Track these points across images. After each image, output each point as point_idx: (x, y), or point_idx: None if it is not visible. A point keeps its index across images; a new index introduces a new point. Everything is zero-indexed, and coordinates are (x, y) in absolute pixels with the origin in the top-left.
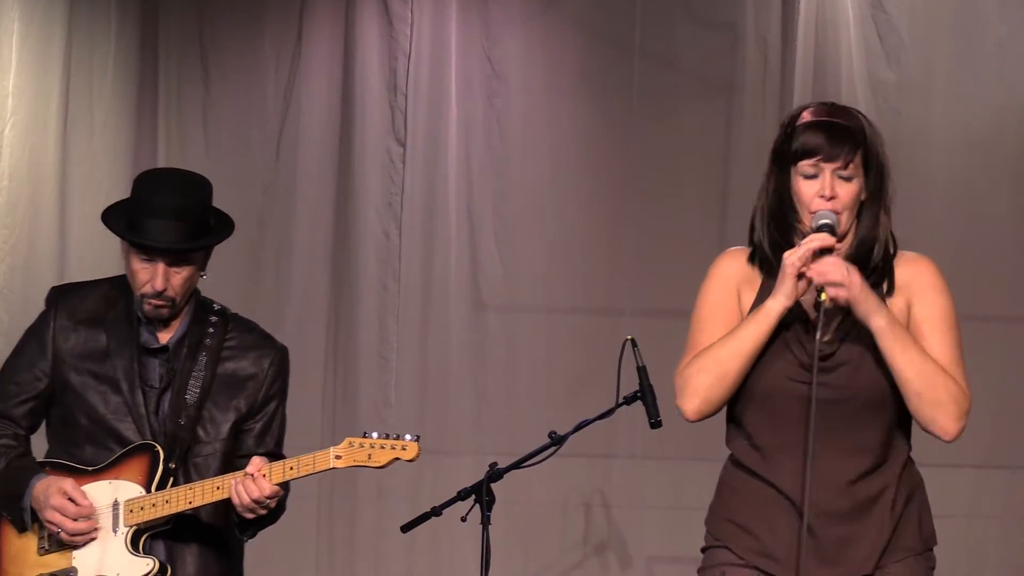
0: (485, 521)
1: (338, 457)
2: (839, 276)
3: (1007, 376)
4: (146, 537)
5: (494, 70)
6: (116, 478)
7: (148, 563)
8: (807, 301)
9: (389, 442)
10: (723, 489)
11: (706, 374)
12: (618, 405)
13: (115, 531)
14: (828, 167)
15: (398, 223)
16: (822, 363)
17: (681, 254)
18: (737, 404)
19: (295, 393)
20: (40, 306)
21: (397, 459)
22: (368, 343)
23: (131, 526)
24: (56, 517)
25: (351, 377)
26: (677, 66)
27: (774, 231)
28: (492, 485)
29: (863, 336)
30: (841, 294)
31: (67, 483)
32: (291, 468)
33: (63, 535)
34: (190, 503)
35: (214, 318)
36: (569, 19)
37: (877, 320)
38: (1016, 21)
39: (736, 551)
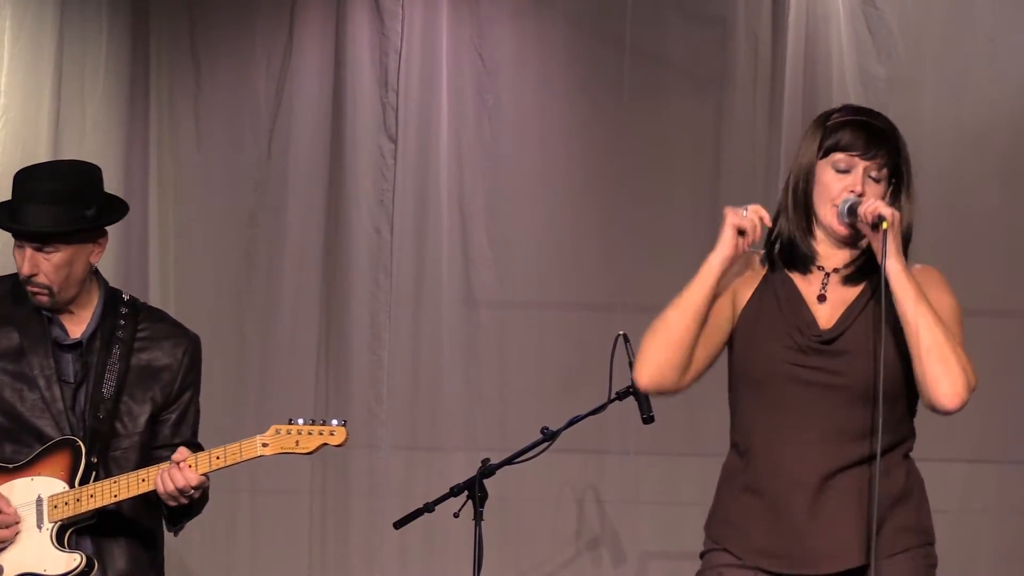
0: (478, 517)
1: (265, 445)
2: (888, 211)
3: (998, 371)
4: (71, 532)
5: (485, 67)
6: (37, 474)
7: (75, 558)
8: (803, 283)
9: (316, 428)
10: (720, 489)
11: (654, 337)
12: (610, 400)
13: (39, 527)
14: (862, 164)
15: (390, 220)
16: (824, 346)
17: (673, 249)
18: (735, 392)
19: (287, 389)
20: None
21: (325, 444)
22: (360, 340)
23: (56, 522)
24: None
25: (343, 374)
26: (668, 61)
27: (803, 219)
28: (485, 481)
29: (866, 326)
30: (886, 212)
31: None
32: (217, 457)
33: None
34: (116, 496)
35: (124, 309)
36: (560, 15)
37: (897, 262)
38: (1007, 16)
39: (735, 552)
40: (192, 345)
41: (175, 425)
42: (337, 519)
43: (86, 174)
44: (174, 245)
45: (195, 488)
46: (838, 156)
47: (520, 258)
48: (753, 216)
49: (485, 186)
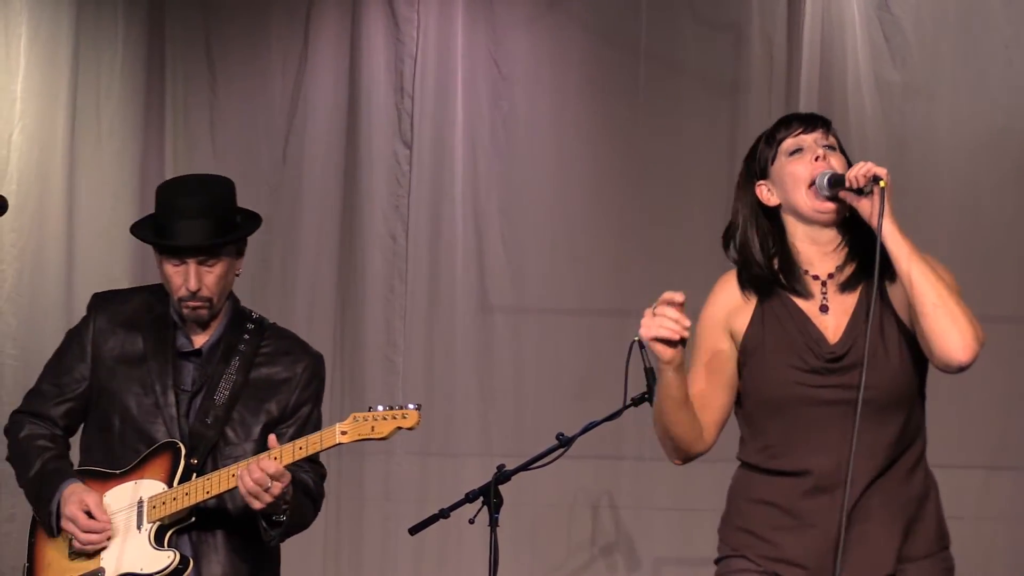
0: (493, 523)
1: (344, 432)
2: (883, 170)
3: (1015, 377)
4: (171, 533)
5: (500, 72)
6: (141, 478)
7: (169, 556)
8: (807, 301)
9: (391, 412)
10: (736, 499)
11: (658, 433)
12: (625, 407)
13: (139, 528)
14: (809, 137)
15: (405, 225)
16: (836, 364)
17: (687, 254)
18: (750, 413)
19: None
20: (48, 310)
21: (399, 428)
22: (375, 345)
23: (154, 522)
24: (69, 526)
25: (358, 379)
26: (682, 67)
27: (776, 229)
28: (500, 487)
29: (873, 334)
30: (881, 172)
31: (91, 497)
32: (300, 448)
33: (75, 543)
34: (208, 492)
35: (250, 325)
36: (575, 21)
37: (894, 223)
38: (1022, 22)
39: (753, 559)
40: (313, 361)
41: (291, 440)
42: (352, 525)
43: (227, 186)
44: None
45: (273, 477)
46: (786, 142)
47: (535, 264)
48: (663, 312)
49: (500, 192)
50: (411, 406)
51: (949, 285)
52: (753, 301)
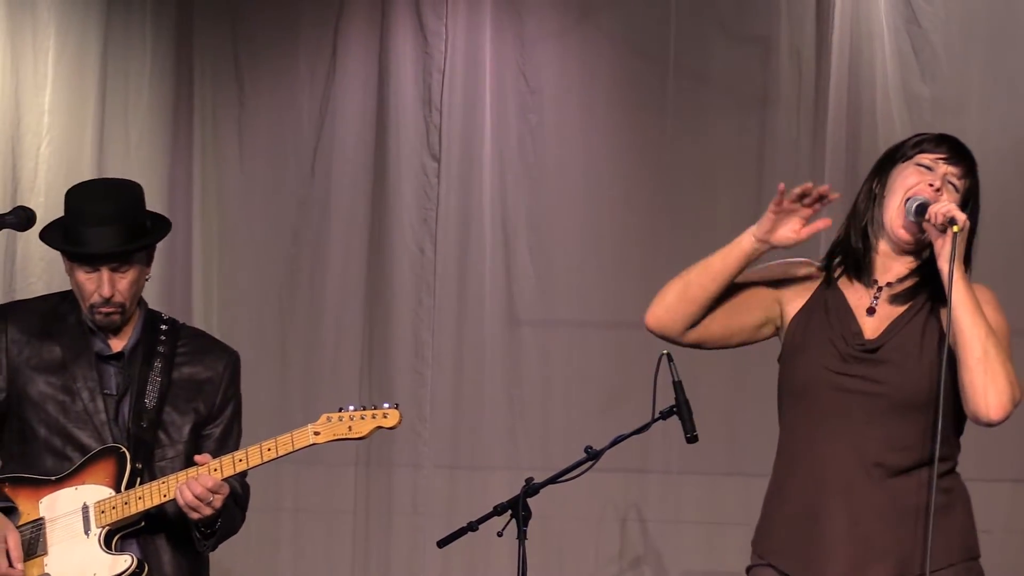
0: (521, 536)
1: (317, 433)
2: (962, 216)
3: None
4: (118, 537)
5: (528, 85)
6: (81, 483)
7: (126, 559)
8: (854, 296)
9: (369, 412)
10: (766, 502)
11: (673, 286)
12: (654, 420)
13: (87, 534)
14: (945, 168)
15: (433, 238)
16: (867, 355)
17: None
18: (781, 403)
19: (330, 407)
20: None
21: (379, 427)
22: (403, 358)
23: (103, 527)
24: None
25: (386, 392)
26: (711, 80)
27: (868, 225)
28: (528, 500)
29: (912, 337)
30: (959, 216)
31: (11, 536)
32: (268, 449)
33: None
34: (165, 496)
35: (164, 327)
36: (603, 34)
37: (958, 271)
38: None
39: (783, 569)
40: (232, 360)
41: (220, 440)
42: (380, 538)
43: (136, 191)
44: (217, 263)
45: (212, 491)
46: (924, 156)
47: (563, 277)
48: (792, 194)
49: (528, 205)
50: (387, 405)
51: (999, 341)
52: (814, 287)
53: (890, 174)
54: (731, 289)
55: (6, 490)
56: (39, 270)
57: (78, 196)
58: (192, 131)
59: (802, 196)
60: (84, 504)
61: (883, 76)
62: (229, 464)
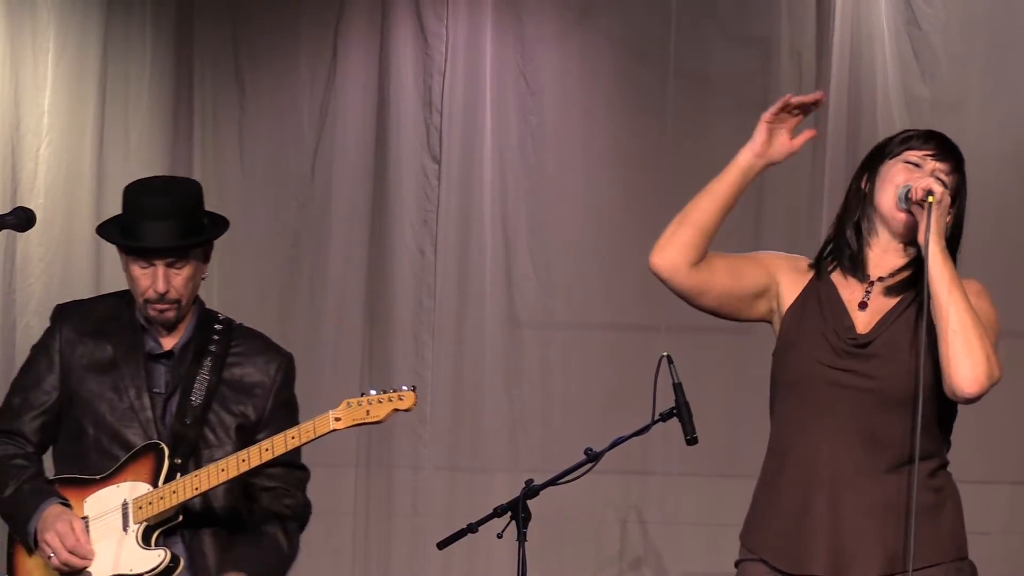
0: (521, 538)
1: (337, 419)
2: (939, 188)
3: None
4: (159, 533)
5: (529, 87)
6: (123, 481)
7: (159, 555)
8: (847, 290)
9: (386, 395)
10: (756, 502)
11: (676, 220)
12: (654, 422)
13: (125, 530)
14: (933, 164)
15: (433, 240)
16: (858, 349)
17: None
18: (772, 396)
19: (330, 408)
20: None
21: (396, 410)
22: (403, 359)
23: (140, 523)
24: (54, 542)
25: None
26: (711, 82)
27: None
28: (528, 501)
29: (903, 331)
30: (937, 188)
31: (78, 523)
32: (292, 437)
33: (54, 560)
34: (197, 488)
35: (219, 326)
36: (603, 36)
37: (938, 243)
38: None
39: (771, 562)
40: (286, 362)
41: None
42: (380, 539)
43: (195, 188)
44: (218, 264)
45: None
46: (911, 153)
47: (563, 279)
48: (779, 103)
49: (528, 207)
50: (405, 387)
51: (981, 318)
52: (806, 279)
53: (879, 171)
54: (736, 258)
55: (59, 490)
56: (38, 271)
57: (136, 191)
58: (192, 133)
59: (786, 106)
60: (124, 501)
61: (883, 78)
62: (256, 454)
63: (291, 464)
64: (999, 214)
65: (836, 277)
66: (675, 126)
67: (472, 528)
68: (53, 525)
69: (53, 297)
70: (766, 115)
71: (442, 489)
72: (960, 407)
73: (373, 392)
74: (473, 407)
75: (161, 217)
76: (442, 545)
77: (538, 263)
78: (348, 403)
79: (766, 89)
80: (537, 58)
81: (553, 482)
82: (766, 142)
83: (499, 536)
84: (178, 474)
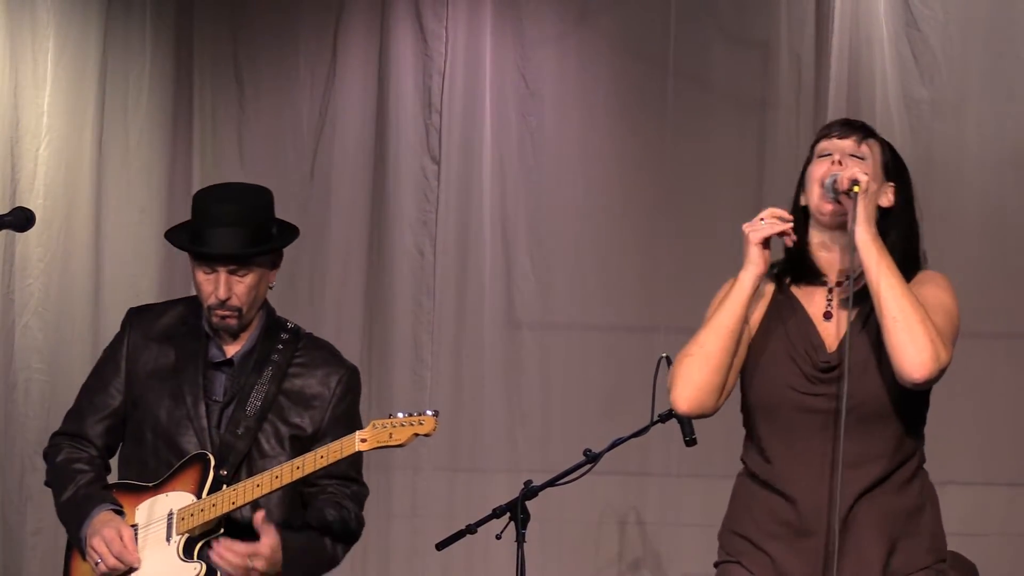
0: (520, 539)
1: (363, 440)
2: (863, 177)
3: None
4: (201, 545)
5: (528, 88)
6: (172, 490)
7: (195, 567)
8: (809, 302)
9: (408, 419)
10: (736, 503)
11: (691, 359)
12: (653, 423)
13: (168, 541)
14: (841, 144)
15: (432, 240)
16: (827, 374)
17: (715, 271)
18: (748, 413)
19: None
20: (75, 324)
21: (416, 435)
22: (403, 360)
23: (182, 534)
24: (101, 548)
25: (385, 394)
26: (710, 84)
27: (802, 226)
28: (527, 502)
29: (869, 345)
30: (862, 177)
31: (126, 531)
32: (321, 456)
33: (101, 566)
34: (234, 503)
35: (285, 335)
36: (603, 37)
37: (868, 229)
38: None
39: (750, 567)
40: (348, 374)
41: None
42: (379, 540)
43: (265, 195)
44: None
45: (250, 556)
46: (820, 147)
47: (562, 279)
48: (770, 220)
49: (528, 207)
50: (429, 412)
51: (939, 308)
52: (768, 297)
53: (804, 180)
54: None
55: (116, 495)
56: (37, 271)
57: (206, 197)
58: (192, 133)
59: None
60: (170, 511)
61: (882, 80)
62: (288, 472)
63: (344, 477)
64: (998, 216)
65: (796, 289)
66: (674, 127)
67: (471, 529)
68: (100, 531)
69: (52, 298)
70: (754, 235)
71: (441, 490)
72: (933, 408)
73: (400, 415)
74: (472, 408)
75: (227, 224)
76: (441, 546)
77: (537, 264)
78: (374, 424)
79: (765, 91)
80: (536, 59)
81: (552, 483)
82: (762, 260)
83: (498, 537)
84: (223, 486)
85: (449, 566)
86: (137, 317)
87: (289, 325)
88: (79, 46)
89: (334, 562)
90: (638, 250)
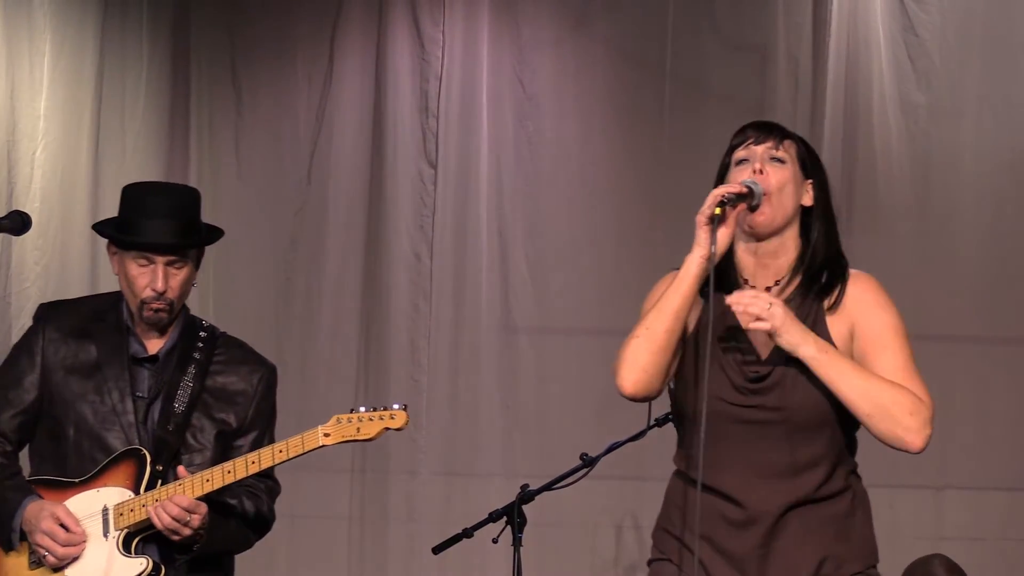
0: (517, 543)
1: (326, 435)
2: (758, 309)
3: None
4: (138, 540)
5: (525, 92)
6: (104, 486)
7: (141, 562)
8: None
9: (377, 413)
10: (668, 503)
11: (637, 340)
12: (649, 427)
13: (106, 536)
14: (759, 148)
15: (429, 245)
16: (756, 384)
17: None
18: (678, 418)
19: (326, 414)
20: None
21: (387, 429)
22: (399, 364)
23: (121, 529)
24: (46, 541)
25: (382, 398)
26: (708, 88)
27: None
28: (523, 507)
29: (791, 359)
30: (763, 327)
31: (59, 509)
32: (280, 451)
33: (50, 559)
34: None
35: (203, 333)
36: (600, 42)
37: (805, 350)
38: None
39: (680, 565)
40: (269, 373)
41: (249, 452)
42: (375, 544)
43: (194, 193)
44: (214, 269)
45: (190, 511)
46: (737, 152)
47: (559, 284)
48: (712, 201)
49: (524, 211)
50: (396, 406)
51: (887, 332)
52: (699, 305)
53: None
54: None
55: (37, 491)
56: (34, 275)
57: (136, 190)
58: (188, 138)
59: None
60: (104, 506)
61: (879, 84)
62: (242, 466)
63: (261, 473)
64: (996, 218)
65: (727, 296)
66: (671, 131)
67: (467, 533)
68: (39, 526)
69: (49, 300)
70: (701, 218)
71: (437, 494)
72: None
73: (363, 409)
74: (468, 412)
75: (163, 216)
76: (437, 550)
77: (534, 268)
78: (338, 419)
79: (762, 96)
80: (533, 64)
81: (548, 487)
82: (709, 242)
83: (494, 541)
84: (159, 481)
85: (446, 570)
86: (51, 312)
87: (204, 324)
88: (76, 50)
89: (247, 545)
90: (635, 254)
